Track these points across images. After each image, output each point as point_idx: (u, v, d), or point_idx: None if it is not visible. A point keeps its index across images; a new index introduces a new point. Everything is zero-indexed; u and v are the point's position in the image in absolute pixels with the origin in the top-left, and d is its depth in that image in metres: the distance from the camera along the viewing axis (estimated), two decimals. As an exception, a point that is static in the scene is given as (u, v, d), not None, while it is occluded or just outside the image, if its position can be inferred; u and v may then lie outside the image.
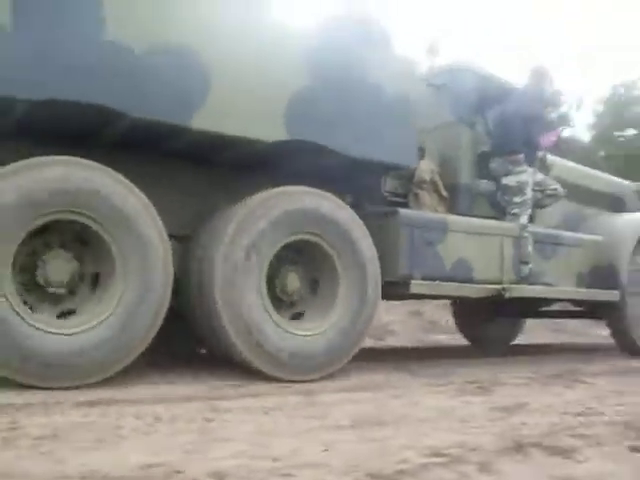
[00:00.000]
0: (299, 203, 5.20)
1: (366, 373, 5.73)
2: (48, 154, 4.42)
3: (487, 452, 3.38)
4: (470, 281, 6.52)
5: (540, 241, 7.11)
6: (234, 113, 4.86)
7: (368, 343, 8.31)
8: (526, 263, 6.90)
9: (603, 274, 7.58)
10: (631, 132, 34.27)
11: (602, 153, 29.94)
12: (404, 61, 5.95)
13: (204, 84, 4.74)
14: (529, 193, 7.23)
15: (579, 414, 4.41)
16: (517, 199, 7.21)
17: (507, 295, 6.63)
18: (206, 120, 4.75)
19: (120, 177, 4.61)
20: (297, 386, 5.14)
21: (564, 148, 8.36)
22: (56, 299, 4.72)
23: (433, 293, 6.29)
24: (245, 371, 5.40)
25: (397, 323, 13.25)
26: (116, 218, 4.56)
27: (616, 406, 4.76)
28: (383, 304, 7.31)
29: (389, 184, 6.73)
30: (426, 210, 6.62)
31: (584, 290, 7.46)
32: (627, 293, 7.60)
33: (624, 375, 6.41)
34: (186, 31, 4.62)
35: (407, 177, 6.72)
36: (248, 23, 4.98)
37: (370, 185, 6.39)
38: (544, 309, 9.08)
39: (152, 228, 4.72)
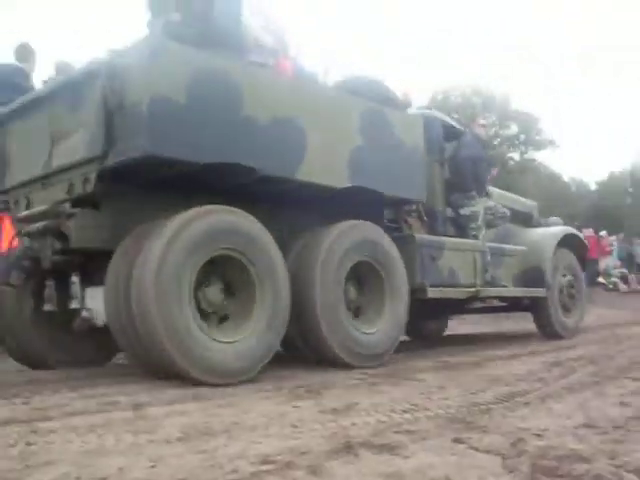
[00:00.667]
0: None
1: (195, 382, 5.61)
2: (193, 203, 5.58)
3: (317, 455, 3.43)
4: (457, 286, 8.41)
5: (493, 253, 9.09)
6: (320, 167, 6.45)
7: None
8: (487, 270, 8.83)
9: (531, 276, 9.81)
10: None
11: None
12: (415, 117, 8.03)
13: (303, 146, 6.27)
14: (481, 219, 9.20)
15: (405, 411, 4.60)
16: (473, 225, 9.17)
17: (480, 295, 8.88)
18: (304, 173, 6.28)
19: (254, 219, 5.85)
20: (125, 401, 4.95)
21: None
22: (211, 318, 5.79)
23: (439, 297, 8.07)
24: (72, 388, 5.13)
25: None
26: (256, 251, 5.79)
27: (441, 400, 5.03)
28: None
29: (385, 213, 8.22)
30: (416, 233, 8.31)
31: (525, 289, 9.67)
32: (549, 290, 9.86)
33: (450, 370, 6.79)
34: (292, 108, 6.22)
35: (398, 206, 8.33)
36: (325, 101, 6.73)
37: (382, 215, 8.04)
38: (478, 306, 11.02)
39: (278, 258, 6.02)
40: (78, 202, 5.65)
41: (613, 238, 24.03)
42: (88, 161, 5.47)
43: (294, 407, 4.74)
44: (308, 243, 6.59)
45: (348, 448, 3.58)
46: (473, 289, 8.66)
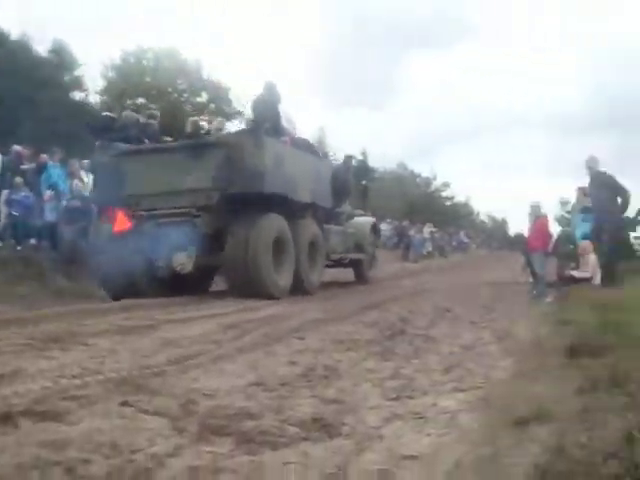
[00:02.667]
0: None
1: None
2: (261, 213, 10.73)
3: (-30, 427, 3.19)
4: (337, 252, 14.13)
5: (348, 234, 14.99)
6: (306, 192, 12.16)
7: None
8: (346, 243, 14.68)
9: (357, 246, 15.28)
10: (140, 100, 35.96)
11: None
12: (328, 162, 16.44)
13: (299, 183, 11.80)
14: (345, 216, 15.36)
15: (74, 376, 4.49)
16: (342, 218, 15.13)
17: (348, 258, 14.69)
18: (300, 196, 11.78)
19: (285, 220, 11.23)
20: None
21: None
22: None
23: (336, 258, 14.17)
24: None
25: None
26: (286, 235, 11.36)
27: (112, 364, 4.98)
28: None
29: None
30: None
31: (357, 253, 15.24)
32: (366, 252, 15.73)
33: (124, 334, 6.71)
34: (296, 164, 11.74)
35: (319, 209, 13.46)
36: (303, 157, 12.48)
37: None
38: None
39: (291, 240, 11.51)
40: (199, 209, 10.45)
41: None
42: (211, 189, 10.41)
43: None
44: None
45: (7, 419, 3.38)
46: (345, 254, 14.55)
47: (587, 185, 11.49)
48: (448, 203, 64.90)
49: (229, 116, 41.20)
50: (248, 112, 42.22)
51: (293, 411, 3.97)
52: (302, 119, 78.37)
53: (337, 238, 13.98)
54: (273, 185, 10.46)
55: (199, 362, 5.32)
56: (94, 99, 37.03)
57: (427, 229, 39.25)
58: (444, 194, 64.33)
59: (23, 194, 13.18)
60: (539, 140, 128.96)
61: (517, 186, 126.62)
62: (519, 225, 70.02)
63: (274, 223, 10.74)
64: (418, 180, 62.51)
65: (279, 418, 3.81)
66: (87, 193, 13.60)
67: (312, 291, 11.79)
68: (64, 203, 13.68)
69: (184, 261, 10.35)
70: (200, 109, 40.50)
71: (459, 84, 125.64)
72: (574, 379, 4.00)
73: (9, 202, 13.05)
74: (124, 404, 3.90)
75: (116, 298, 10.21)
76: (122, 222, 10.41)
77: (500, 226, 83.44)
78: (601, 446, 2.51)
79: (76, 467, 2.90)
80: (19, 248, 12.57)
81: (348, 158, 16.13)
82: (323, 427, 3.68)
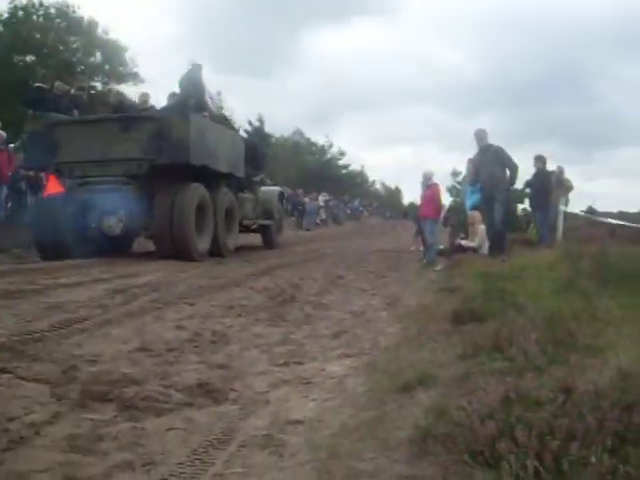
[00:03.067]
0: None
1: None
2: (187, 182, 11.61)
3: None
4: (250, 218, 15.03)
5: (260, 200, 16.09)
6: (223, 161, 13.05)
7: None
8: (257, 210, 15.65)
9: (266, 213, 16.15)
10: (30, 58, 34.02)
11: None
12: (239, 135, 16.34)
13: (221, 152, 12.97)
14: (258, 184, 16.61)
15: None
16: (256, 187, 16.15)
17: (257, 224, 15.58)
18: (219, 166, 12.74)
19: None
20: None
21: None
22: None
23: (248, 224, 15.06)
24: None
25: None
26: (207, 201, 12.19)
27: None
28: None
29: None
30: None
31: (267, 220, 16.17)
32: (274, 219, 16.62)
33: (7, 298, 6.38)
34: (218, 135, 12.92)
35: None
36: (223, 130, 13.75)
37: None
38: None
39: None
40: (129, 177, 11.30)
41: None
42: (141, 159, 11.13)
43: None
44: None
45: None
46: (256, 220, 15.52)
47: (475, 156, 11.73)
48: (343, 172, 65.47)
49: (124, 77, 39.77)
50: (143, 73, 41.47)
51: (179, 377, 3.91)
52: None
53: (249, 205, 15.04)
54: (197, 157, 11.40)
55: (84, 327, 5.17)
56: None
57: (322, 197, 39.62)
58: (340, 162, 64.92)
59: None
60: (432, 113, 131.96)
61: (411, 157, 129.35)
62: (413, 195, 71.96)
63: (197, 191, 11.61)
64: (314, 148, 62.76)
65: (164, 384, 3.75)
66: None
67: (227, 254, 12.67)
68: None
69: (113, 224, 11.35)
70: (94, 69, 38.84)
71: (355, 57, 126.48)
72: (458, 345, 4.12)
73: None
74: (1, 371, 3.73)
75: (47, 258, 10.82)
76: (54, 186, 11.37)
77: (394, 195, 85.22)
78: (480, 408, 2.59)
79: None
80: None
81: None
82: (209, 393, 3.65)
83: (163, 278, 8.50)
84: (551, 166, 14.08)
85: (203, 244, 11.67)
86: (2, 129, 14.74)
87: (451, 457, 2.38)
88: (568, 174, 14.79)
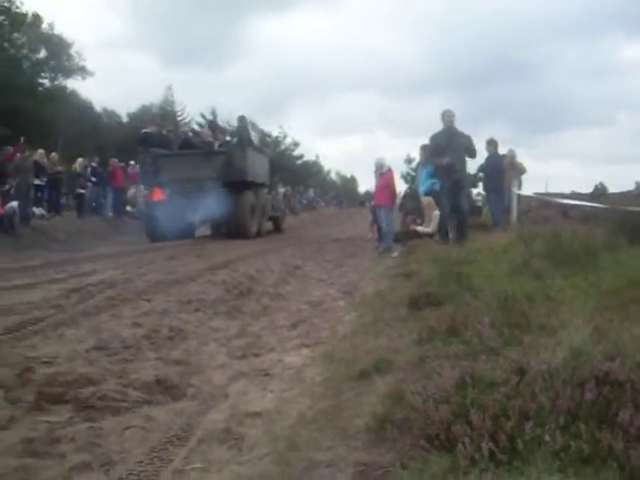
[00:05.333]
0: None
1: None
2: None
3: None
4: (271, 212, 21.69)
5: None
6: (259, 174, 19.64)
7: None
8: (272, 206, 21.95)
9: (277, 207, 22.60)
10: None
11: None
12: (266, 154, 21.98)
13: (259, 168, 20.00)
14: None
15: None
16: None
17: (271, 216, 21.55)
18: (258, 179, 19.31)
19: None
20: None
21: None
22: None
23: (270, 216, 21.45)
24: None
25: None
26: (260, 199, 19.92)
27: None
28: None
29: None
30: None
31: (276, 212, 22.32)
32: (281, 212, 23.74)
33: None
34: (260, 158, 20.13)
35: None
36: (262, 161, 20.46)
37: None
38: None
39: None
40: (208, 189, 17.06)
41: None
42: (216, 178, 17.20)
43: None
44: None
45: None
46: (271, 213, 21.26)
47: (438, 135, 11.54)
48: (298, 162, 65.37)
49: (70, 72, 39.07)
50: (89, 67, 40.95)
51: (136, 374, 3.87)
52: (144, 77, 76.01)
53: (270, 203, 20.90)
54: (250, 176, 17.72)
55: (39, 328, 5.09)
56: None
57: (280, 189, 39.72)
58: (294, 153, 64.79)
59: None
60: (381, 101, 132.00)
61: (363, 145, 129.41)
62: (368, 183, 72.12)
63: (249, 196, 17.75)
64: (268, 139, 62.46)
65: (121, 382, 3.71)
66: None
67: (264, 235, 19.01)
68: None
69: (200, 218, 17.83)
70: (40, 65, 38.10)
71: (299, 46, 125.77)
72: (414, 330, 4.16)
73: None
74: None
75: (155, 242, 16.25)
76: (158, 195, 17.06)
77: (349, 183, 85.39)
78: (435, 392, 2.62)
79: None
80: None
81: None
82: (167, 389, 3.62)
83: (120, 275, 8.40)
84: (503, 150, 14.25)
85: (254, 228, 17.93)
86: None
87: (408, 442, 2.41)
88: (519, 157, 14.97)
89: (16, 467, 2.61)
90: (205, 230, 19.66)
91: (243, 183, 17.45)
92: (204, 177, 17.12)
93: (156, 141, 18.66)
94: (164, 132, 20.65)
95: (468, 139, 10.91)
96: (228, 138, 20.52)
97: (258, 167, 19.04)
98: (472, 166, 12.49)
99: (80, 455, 2.76)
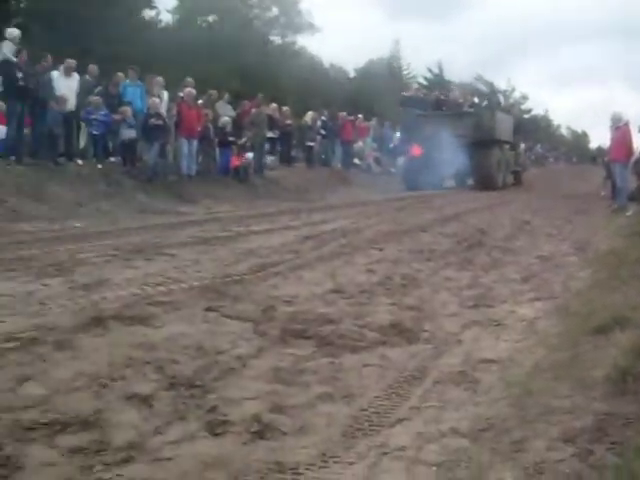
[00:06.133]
0: None
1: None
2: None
3: (64, 330, 3.39)
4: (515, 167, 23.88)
5: None
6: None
7: None
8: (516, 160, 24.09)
9: (519, 162, 24.32)
10: (213, 17, 35.61)
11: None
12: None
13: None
14: None
15: (158, 284, 4.66)
16: None
17: (514, 169, 23.50)
18: (504, 137, 21.18)
19: None
20: None
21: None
22: None
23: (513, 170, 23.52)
24: None
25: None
26: None
27: (194, 273, 5.14)
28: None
29: None
30: None
31: (518, 167, 23.77)
32: (522, 166, 25.74)
33: (204, 244, 6.89)
34: (503, 123, 21.35)
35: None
36: (507, 121, 22.67)
37: None
38: None
39: None
40: (460, 146, 18.21)
41: (372, 122, 25.37)
42: (467, 136, 18.35)
43: (42, 285, 4.58)
44: None
45: (98, 321, 3.56)
46: (515, 167, 23.98)
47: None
48: (526, 116, 62.63)
49: (300, 29, 40.45)
50: (317, 24, 42.18)
51: (372, 317, 4.04)
52: (369, 32, 76.29)
53: (513, 159, 22.50)
54: (498, 134, 19.21)
55: (278, 270, 5.42)
56: (165, 17, 36.75)
57: (521, 145, 38.73)
58: (522, 107, 62.08)
59: (102, 113, 13.37)
60: (618, 48, 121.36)
61: (598, 98, 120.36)
62: (600, 139, 67.46)
63: (496, 153, 19.33)
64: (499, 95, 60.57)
65: (358, 323, 3.89)
66: (164, 110, 13.78)
67: (507, 187, 20.41)
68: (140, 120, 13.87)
69: (453, 172, 19.38)
70: (271, 23, 39.85)
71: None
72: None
73: (89, 121, 13.27)
74: (208, 309, 4.05)
75: (411, 190, 18.11)
76: (416, 150, 18.95)
77: (580, 139, 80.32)
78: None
79: (165, 366, 3.06)
80: (100, 166, 12.85)
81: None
82: (401, 332, 3.74)
83: (350, 225, 8.69)
84: None
85: (499, 181, 19.37)
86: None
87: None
88: None
89: (268, 391, 2.86)
90: (450, 182, 20.95)
91: (491, 141, 19.17)
92: (456, 135, 18.40)
93: (414, 102, 21.26)
94: (421, 95, 23.33)
95: None
96: (476, 100, 22.83)
97: (504, 127, 20.62)
98: None
99: (322, 387, 2.96)
